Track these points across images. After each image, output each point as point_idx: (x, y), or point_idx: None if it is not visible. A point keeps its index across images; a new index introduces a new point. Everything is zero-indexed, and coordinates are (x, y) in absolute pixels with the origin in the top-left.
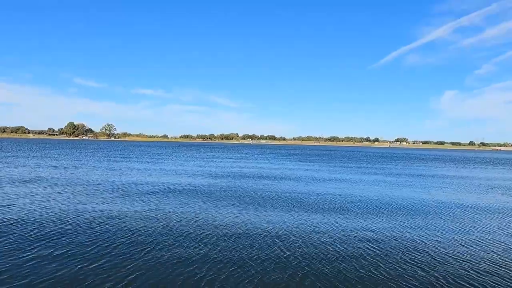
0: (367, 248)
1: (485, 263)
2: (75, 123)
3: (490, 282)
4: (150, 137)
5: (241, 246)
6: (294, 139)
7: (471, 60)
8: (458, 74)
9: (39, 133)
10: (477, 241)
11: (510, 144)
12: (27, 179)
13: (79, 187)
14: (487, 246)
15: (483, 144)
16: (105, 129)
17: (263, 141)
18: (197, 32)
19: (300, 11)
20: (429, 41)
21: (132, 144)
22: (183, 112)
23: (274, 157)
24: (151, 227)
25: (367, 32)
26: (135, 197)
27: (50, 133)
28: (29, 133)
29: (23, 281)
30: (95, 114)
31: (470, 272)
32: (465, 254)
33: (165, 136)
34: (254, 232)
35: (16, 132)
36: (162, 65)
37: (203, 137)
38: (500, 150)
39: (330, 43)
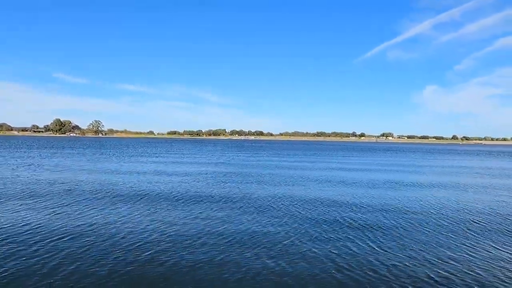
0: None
1: None
2: (61, 120)
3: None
4: (136, 133)
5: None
6: (281, 134)
7: (451, 56)
8: (439, 69)
9: (22, 130)
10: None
11: (490, 138)
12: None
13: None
14: None
15: (465, 138)
16: (93, 126)
17: (252, 137)
18: (179, 26)
19: (284, 8)
20: (411, 36)
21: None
22: (168, 108)
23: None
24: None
25: (350, 28)
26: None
27: (35, 130)
28: (12, 130)
29: None
30: (77, 110)
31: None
32: None
33: (151, 132)
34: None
35: None
36: (144, 59)
37: (190, 133)
38: (483, 144)
39: (313, 38)
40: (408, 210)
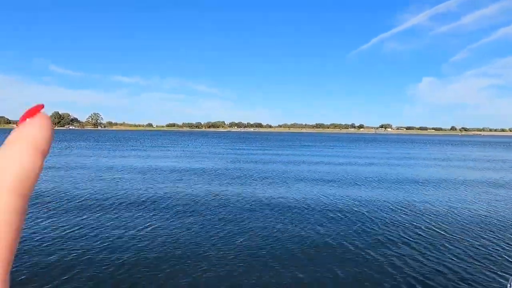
0: None
1: None
2: (60, 113)
3: None
4: (135, 126)
5: None
6: (280, 126)
7: (447, 47)
8: (435, 61)
9: None
10: None
11: (488, 129)
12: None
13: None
14: None
15: (464, 129)
16: (92, 118)
17: (251, 129)
18: (173, 19)
19: (280, 2)
20: (407, 28)
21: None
22: (163, 100)
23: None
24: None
25: (346, 20)
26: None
27: None
28: (10, 123)
29: None
30: (72, 103)
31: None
32: None
33: (150, 125)
34: None
35: None
36: (139, 52)
37: (189, 125)
38: (482, 135)
39: (310, 31)
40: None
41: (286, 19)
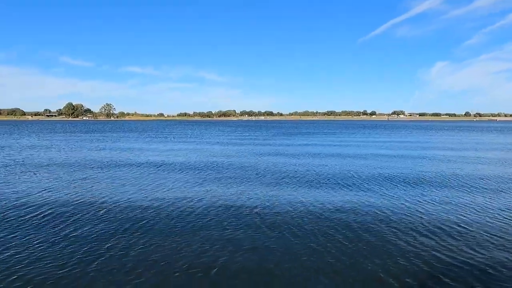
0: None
1: None
2: (73, 104)
3: None
4: (147, 116)
5: None
6: (291, 114)
7: (461, 31)
8: (448, 45)
9: (35, 115)
10: None
11: (503, 114)
12: None
13: None
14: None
15: (479, 114)
16: (105, 109)
17: (262, 117)
18: (180, 9)
19: None
20: (419, 12)
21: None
22: (173, 90)
23: None
24: None
25: (356, 5)
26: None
27: (48, 114)
28: (25, 115)
29: None
30: (83, 94)
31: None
32: None
33: (161, 115)
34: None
35: (14, 115)
36: (149, 42)
37: (201, 114)
38: (497, 120)
39: (319, 15)
40: None
41: (296, 6)
